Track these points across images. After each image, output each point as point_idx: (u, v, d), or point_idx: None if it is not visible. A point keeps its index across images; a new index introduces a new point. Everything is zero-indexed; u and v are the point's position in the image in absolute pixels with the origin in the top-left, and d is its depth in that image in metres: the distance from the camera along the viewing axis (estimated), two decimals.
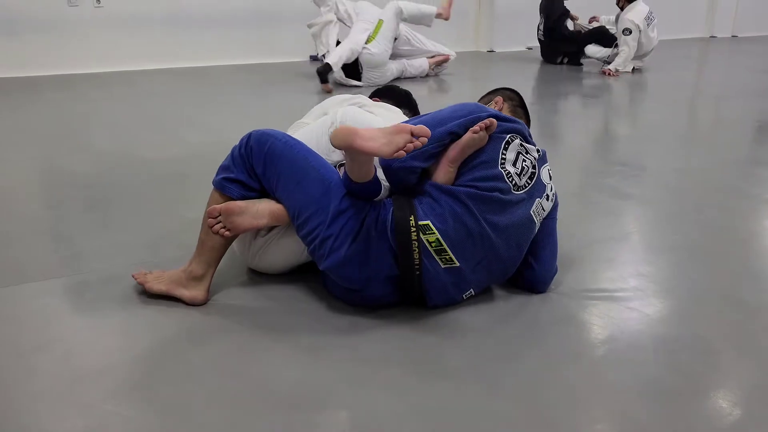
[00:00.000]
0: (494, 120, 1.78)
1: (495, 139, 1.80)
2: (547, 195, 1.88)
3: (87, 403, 1.43)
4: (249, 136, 1.85)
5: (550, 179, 1.91)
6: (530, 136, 1.91)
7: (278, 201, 1.83)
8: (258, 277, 2.02)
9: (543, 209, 1.87)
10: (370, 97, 2.33)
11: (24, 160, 3.24)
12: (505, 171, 1.79)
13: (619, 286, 1.99)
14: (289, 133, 2.05)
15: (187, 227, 2.13)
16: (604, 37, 6.44)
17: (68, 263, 2.11)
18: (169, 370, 1.56)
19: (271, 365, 1.58)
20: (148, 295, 1.86)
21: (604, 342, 1.71)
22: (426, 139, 1.58)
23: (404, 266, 1.69)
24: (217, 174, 1.87)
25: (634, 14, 6.04)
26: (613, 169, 3.22)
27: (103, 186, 2.85)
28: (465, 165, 1.78)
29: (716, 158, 3.51)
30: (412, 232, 1.67)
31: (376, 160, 1.77)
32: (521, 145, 1.84)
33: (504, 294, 1.92)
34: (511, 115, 2.07)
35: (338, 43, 5.25)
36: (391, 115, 2.09)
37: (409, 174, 1.76)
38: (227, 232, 1.80)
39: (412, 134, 1.55)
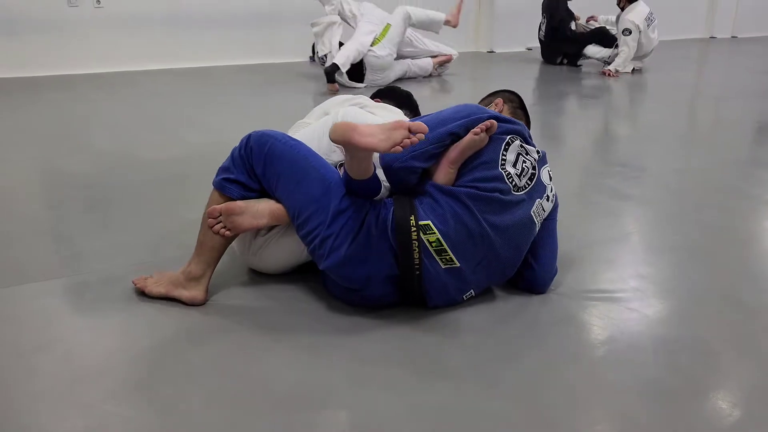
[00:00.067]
0: (495, 121, 1.79)
1: (495, 141, 1.81)
2: (548, 196, 1.88)
3: (87, 403, 1.43)
4: (249, 137, 1.86)
5: (550, 180, 1.91)
6: (530, 137, 1.91)
7: (278, 201, 1.83)
8: (258, 277, 2.02)
9: (543, 210, 1.87)
10: (372, 97, 2.33)
11: (24, 160, 3.24)
12: (505, 172, 1.79)
13: (619, 287, 1.99)
14: (290, 133, 2.05)
15: (187, 228, 2.13)
16: (604, 37, 6.44)
17: (68, 263, 2.11)
18: (169, 370, 1.56)
19: (271, 365, 1.58)
20: (150, 297, 1.86)
21: (604, 343, 1.71)
22: (423, 136, 1.59)
23: (404, 266, 1.69)
24: (217, 175, 1.88)
25: (635, 15, 6.04)
26: (613, 169, 3.22)
27: (103, 186, 2.85)
28: (465, 166, 1.79)
29: (716, 159, 3.51)
30: (412, 232, 1.67)
31: (376, 160, 1.78)
32: (521, 146, 1.85)
33: (504, 294, 1.92)
34: (512, 116, 2.08)
35: (341, 45, 5.24)
36: (392, 116, 2.10)
37: (409, 174, 1.76)
38: (228, 232, 1.80)
39: (410, 130, 1.56)
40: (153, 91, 5.08)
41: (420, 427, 1.38)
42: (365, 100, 2.19)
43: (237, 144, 1.88)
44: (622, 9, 6.19)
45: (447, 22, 5.62)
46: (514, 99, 2.21)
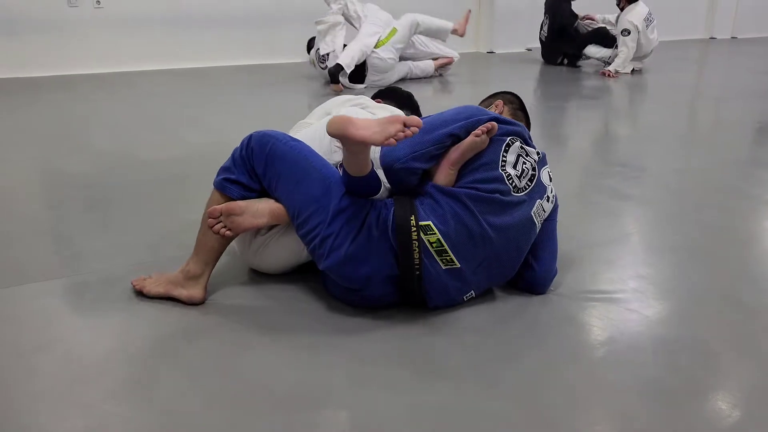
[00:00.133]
0: (495, 124, 1.79)
1: (496, 142, 1.81)
2: (548, 196, 1.89)
3: (87, 403, 1.43)
4: (250, 137, 1.86)
5: (550, 181, 1.92)
6: (530, 138, 1.92)
7: (278, 201, 1.83)
8: (258, 276, 2.02)
9: (544, 210, 1.87)
10: (373, 98, 2.34)
11: (24, 160, 3.24)
12: (505, 173, 1.79)
13: (619, 288, 1.99)
14: (291, 133, 2.05)
15: (187, 228, 2.13)
16: (605, 37, 6.43)
17: (68, 264, 2.11)
18: (169, 370, 1.56)
19: (271, 365, 1.58)
20: (149, 298, 1.87)
21: (604, 343, 1.71)
22: (417, 129, 1.59)
23: (404, 266, 1.69)
24: (218, 175, 1.88)
25: (634, 15, 6.04)
26: (612, 170, 3.22)
27: (103, 186, 2.85)
28: (466, 167, 1.79)
29: (716, 159, 3.51)
30: (412, 232, 1.67)
31: (377, 160, 1.78)
32: (521, 147, 1.85)
33: (504, 295, 1.92)
34: (512, 118, 2.08)
35: (344, 46, 5.23)
36: None
37: (409, 175, 1.76)
38: (228, 232, 1.81)
39: (405, 124, 1.57)
40: (153, 91, 5.08)
41: (420, 427, 1.38)
42: (366, 100, 2.19)
43: (238, 144, 1.88)
44: (622, 9, 6.19)
45: (454, 31, 5.69)
46: (514, 100, 2.21)
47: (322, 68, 5.23)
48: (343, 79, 5.08)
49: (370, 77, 5.25)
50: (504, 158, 1.81)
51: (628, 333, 1.76)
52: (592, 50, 6.52)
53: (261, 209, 1.82)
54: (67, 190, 2.82)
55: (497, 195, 1.76)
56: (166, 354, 1.63)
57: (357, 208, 1.72)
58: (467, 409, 1.43)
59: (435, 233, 1.69)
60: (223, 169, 1.88)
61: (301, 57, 5.86)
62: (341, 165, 1.73)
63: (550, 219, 1.93)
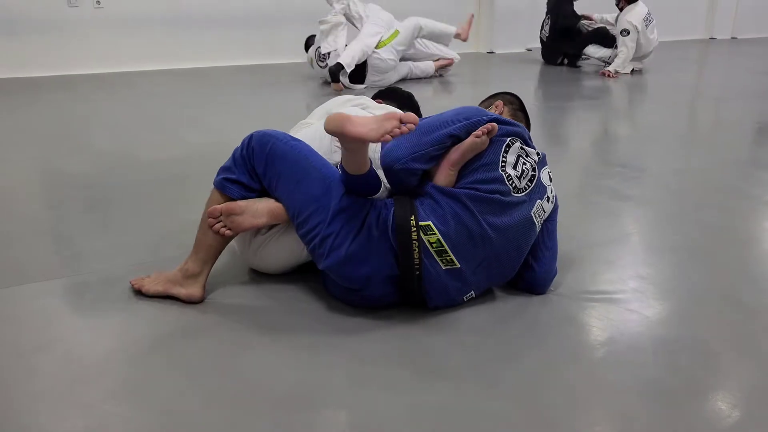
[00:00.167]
0: (495, 125, 1.79)
1: (496, 143, 1.81)
2: (548, 197, 1.89)
3: (87, 403, 1.43)
4: (251, 137, 1.87)
5: (551, 181, 1.92)
6: (530, 139, 1.92)
7: (278, 200, 1.84)
8: (258, 276, 2.02)
9: (544, 210, 1.87)
10: (373, 98, 2.34)
11: (24, 160, 3.25)
12: (505, 174, 1.79)
13: (619, 288, 1.99)
14: (292, 133, 2.06)
15: (187, 228, 2.13)
16: (605, 37, 6.43)
17: (68, 264, 2.11)
18: (169, 370, 1.56)
19: (271, 365, 1.58)
20: (148, 296, 1.87)
21: (604, 343, 1.71)
22: (413, 126, 1.60)
23: (404, 266, 1.69)
24: (218, 174, 1.88)
25: (633, 15, 6.04)
26: (612, 170, 3.22)
27: (103, 186, 2.85)
28: (466, 168, 1.79)
29: (716, 159, 3.51)
30: (412, 232, 1.68)
31: (377, 160, 1.78)
32: (521, 148, 1.85)
33: (504, 295, 1.92)
34: (512, 118, 2.08)
35: (345, 46, 5.23)
36: None
37: (409, 176, 1.76)
38: (228, 232, 1.81)
39: (401, 121, 1.58)
40: (153, 92, 5.08)
41: (420, 427, 1.38)
42: (367, 100, 2.19)
43: (238, 144, 1.89)
44: (621, 10, 6.19)
45: (457, 36, 5.73)
46: (514, 101, 2.22)
47: (321, 67, 5.22)
48: (344, 78, 5.08)
49: (371, 77, 5.25)
50: (504, 159, 1.81)
51: (628, 333, 1.76)
52: (592, 50, 6.53)
53: (260, 209, 1.82)
54: (67, 190, 2.82)
55: (497, 195, 1.76)
56: (166, 354, 1.63)
57: (357, 208, 1.72)
58: (467, 409, 1.43)
59: (435, 233, 1.69)
60: (224, 169, 1.88)
61: (302, 57, 5.86)
62: (341, 164, 1.73)
63: (550, 219, 1.93)
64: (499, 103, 2.16)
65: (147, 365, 1.58)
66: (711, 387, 1.54)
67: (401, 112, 2.15)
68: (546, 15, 6.68)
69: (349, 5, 5.28)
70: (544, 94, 5.56)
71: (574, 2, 6.60)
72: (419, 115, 2.38)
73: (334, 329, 1.74)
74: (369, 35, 5.19)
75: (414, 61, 5.61)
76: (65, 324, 1.78)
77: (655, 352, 1.66)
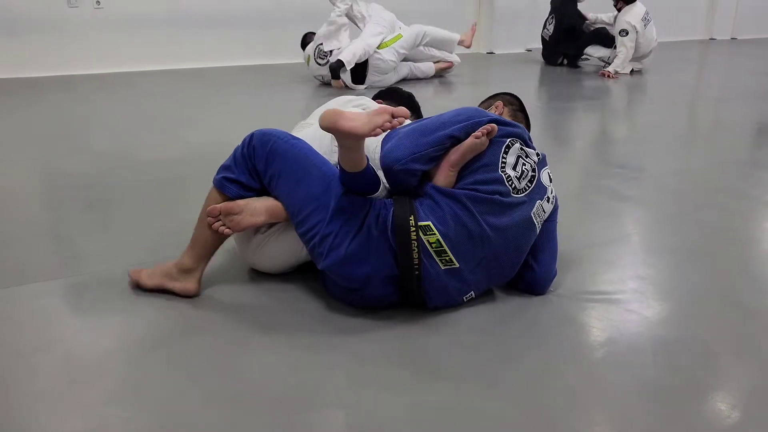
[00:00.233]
0: (495, 125, 1.80)
1: (495, 143, 1.81)
2: (548, 197, 1.89)
3: (87, 403, 1.43)
4: (252, 136, 1.87)
5: (551, 182, 1.92)
6: (530, 140, 1.92)
7: (277, 199, 1.84)
8: (258, 276, 2.02)
9: (544, 211, 1.87)
10: (374, 98, 2.34)
11: (24, 160, 3.25)
12: (505, 174, 1.79)
13: (619, 288, 2.00)
14: (293, 133, 2.06)
15: (187, 228, 2.12)
16: (606, 38, 6.44)
17: (68, 264, 2.11)
18: (169, 370, 1.56)
19: (270, 365, 1.58)
20: (145, 290, 1.89)
21: (604, 344, 1.71)
22: (404, 120, 1.61)
23: (404, 266, 1.70)
24: (218, 173, 1.89)
25: (631, 16, 6.04)
26: (612, 170, 3.22)
27: (103, 187, 2.85)
28: (465, 168, 1.79)
29: (716, 160, 3.51)
30: (411, 232, 1.68)
31: (377, 161, 1.78)
32: (521, 149, 1.85)
33: (504, 295, 1.92)
34: (512, 119, 2.08)
35: None
36: None
37: (409, 176, 1.76)
38: (227, 230, 1.82)
39: (393, 115, 1.59)
40: (153, 92, 5.08)
41: (420, 427, 1.38)
42: (367, 101, 2.20)
43: (238, 144, 1.89)
44: (619, 10, 6.19)
45: (461, 42, 5.78)
46: (514, 102, 2.22)
47: (321, 64, 5.20)
48: (344, 76, 5.07)
49: (371, 77, 5.24)
50: (504, 160, 1.81)
51: (628, 334, 1.76)
52: (591, 50, 6.53)
53: (258, 207, 1.83)
54: (67, 190, 2.82)
55: (497, 196, 1.76)
56: (166, 354, 1.63)
57: (356, 208, 1.72)
58: (467, 410, 1.43)
59: (434, 234, 1.70)
60: (224, 168, 1.89)
61: (302, 57, 5.85)
62: (338, 162, 1.74)
63: (550, 220, 1.93)
64: (499, 103, 2.16)
65: (147, 365, 1.58)
66: (711, 387, 1.55)
67: (392, 107, 2.17)
68: (549, 14, 6.67)
69: (351, 5, 5.28)
70: (544, 94, 5.56)
71: (579, 2, 6.60)
72: (420, 115, 2.38)
73: (333, 329, 1.74)
74: (371, 35, 5.19)
75: (415, 62, 5.61)
76: (65, 324, 1.78)
77: (654, 353, 1.66)
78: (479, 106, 2.18)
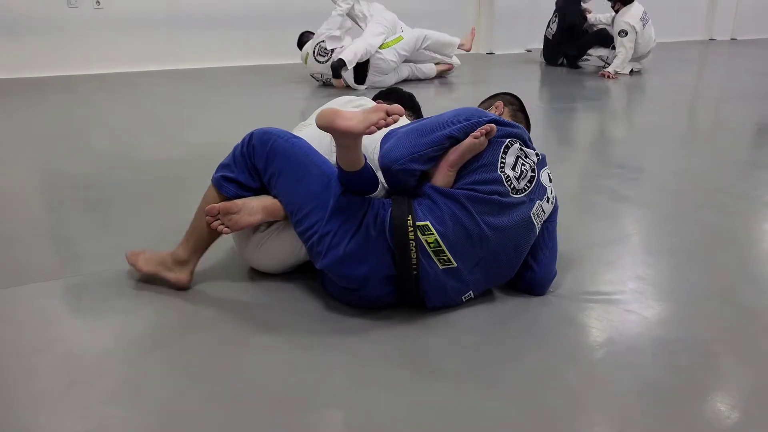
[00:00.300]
0: (494, 126, 1.80)
1: (494, 144, 1.81)
2: (548, 197, 1.89)
3: (87, 403, 1.44)
4: (251, 134, 1.88)
5: (550, 182, 1.92)
6: (530, 140, 1.91)
7: (276, 197, 1.85)
8: (258, 276, 2.02)
9: (543, 211, 1.87)
10: (374, 99, 2.34)
11: (24, 161, 3.25)
12: (504, 175, 1.79)
13: (618, 289, 2.00)
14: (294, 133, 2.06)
15: (187, 228, 2.13)
16: (608, 38, 6.44)
17: (68, 264, 2.11)
18: (169, 370, 1.56)
19: (270, 365, 1.58)
20: (143, 282, 1.89)
21: (603, 344, 1.71)
22: (399, 117, 1.61)
23: (402, 266, 1.70)
24: (217, 171, 1.90)
25: (630, 16, 6.05)
26: (612, 171, 3.22)
27: (103, 187, 2.85)
28: (464, 168, 1.80)
29: (715, 160, 3.51)
30: (409, 232, 1.68)
31: (376, 161, 1.78)
32: (521, 149, 1.85)
33: (503, 296, 1.92)
34: (512, 119, 2.09)
35: None
36: None
37: (408, 176, 1.77)
38: (226, 229, 1.83)
39: (387, 113, 1.60)
40: (153, 92, 5.09)
41: (420, 427, 1.38)
42: (367, 101, 2.20)
43: (239, 142, 1.90)
44: (617, 11, 6.20)
45: (461, 46, 5.80)
46: (514, 102, 2.22)
47: (320, 62, 5.18)
48: (346, 75, 5.07)
49: (372, 77, 5.24)
50: (503, 160, 1.81)
51: (628, 334, 1.76)
52: (590, 49, 6.54)
53: (255, 206, 1.84)
54: (67, 190, 2.82)
55: (496, 196, 1.77)
56: (166, 354, 1.63)
57: (355, 207, 1.72)
58: (467, 410, 1.43)
59: (433, 234, 1.70)
60: (223, 166, 1.90)
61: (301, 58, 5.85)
62: (336, 162, 1.74)
63: (550, 220, 1.93)
64: (499, 103, 2.16)
65: (147, 365, 1.58)
66: (710, 388, 1.55)
67: (387, 105, 2.17)
68: (554, 13, 6.67)
69: (353, 4, 5.27)
70: (544, 94, 5.57)
71: (583, 2, 6.59)
72: (420, 115, 2.38)
73: (333, 329, 1.74)
74: (373, 35, 5.19)
75: (416, 63, 5.61)
76: (65, 324, 1.78)
77: (654, 353, 1.67)
78: (479, 106, 2.18)
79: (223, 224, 1.82)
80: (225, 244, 2.20)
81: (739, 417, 1.44)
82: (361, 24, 5.36)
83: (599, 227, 2.51)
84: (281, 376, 1.54)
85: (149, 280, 1.97)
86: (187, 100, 4.83)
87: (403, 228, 1.68)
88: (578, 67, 6.64)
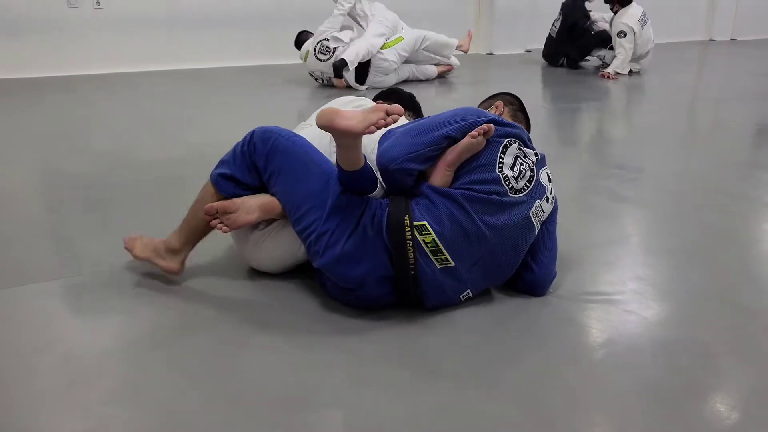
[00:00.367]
0: (492, 125, 1.80)
1: (493, 143, 1.81)
2: (547, 197, 1.89)
3: (87, 404, 1.44)
4: (253, 133, 1.89)
5: (550, 182, 1.92)
6: (530, 140, 1.91)
7: (275, 195, 1.85)
8: (257, 275, 2.02)
9: (543, 211, 1.87)
10: (374, 99, 2.34)
11: (24, 161, 3.25)
12: (502, 174, 1.79)
13: (618, 289, 2.00)
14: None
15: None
16: (609, 41, 6.43)
17: (68, 264, 2.11)
18: (169, 370, 1.57)
19: (270, 365, 1.58)
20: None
21: (603, 345, 1.71)
22: (398, 117, 1.62)
23: (399, 266, 1.70)
24: (217, 167, 1.92)
25: (628, 17, 6.05)
26: (611, 171, 3.22)
27: (103, 187, 2.85)
28: (462, 168, 1.80)
29: (715, 161, 3.51)
30: (406, 232, 1.68)
31: (374, 161, 1.78)
32: (519, 149, 1.85)
33: (503, 296, 1.92)
34: (512, 119, 2.09)
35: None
36: None
37: (405, 176, 1.77)
38: (225, 228, 1.84)
39: (387, 113, 1.60)
40: (153, 92, 5.09)
41: (420, 427, 1.38)
42: (368, 102, 2.20)
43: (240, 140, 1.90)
44: (615, 13, 6.20)
45: (459, 47, 5.84)
46: (514, 102, 2.22)
47: (322, 60, 5.17)
48: (347, 75, 5.07)
49: (373, 78, 5.24)
50: (501, 160, 1.81)
51: (627, 334, 1.76)
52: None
53: (252, 205, 1.85)
54: (67, 190, 2.82)
55: (494, 196, 1.77)
56: (166, 354, 1.63)
57: (353, 207, 1.73)
58: (467, 410, 1.43)
59: (430, 233, 1.70)
60: (223, 162, 1.91)
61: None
62: (336, 161, 1.74)
63: (550, 221, 1.93)
64: (499, 103, 2.16)
65: (147, 365, 1.58)
66: (710, 388, 1.55)
67: (386, 105, 2.17)
68: (559, 12, 6.67)
69: (355, 3, 5.26)
70: (543, 95, 5.57)
71: (587, 1, 6.59)
72: (421, 116, 2.38)
73: (333, 329, 1.74)
74: (375, 35, 5.19)
75: (416, 64, 5.61)
76: (65, 324, 1.78)
77: (654, 354, 1.67)
78: (479, 106, 2.18)
79: (222, 222, 1.83)
80: (224, 243, 2.20)
81: (739, 417, 1.44)
82: (362, 23, 5.36)
83: (599, 228, 2.52)
84: (281, 376, 1.54)
85: (149, 280, 1.97)
86: (187, 100, 4.83)
87: (400, 228, 1.69)
88: (578, 67, 6.63)
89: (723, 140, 4.05)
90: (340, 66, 4.98)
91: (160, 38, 6.01)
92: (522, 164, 1.84)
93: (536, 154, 1.90)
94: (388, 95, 2.41)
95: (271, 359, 1.61)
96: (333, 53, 5.10)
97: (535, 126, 2.37)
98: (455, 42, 5.73)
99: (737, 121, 4.53)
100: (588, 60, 6.67)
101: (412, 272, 1.70)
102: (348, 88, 5.09)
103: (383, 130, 1.78)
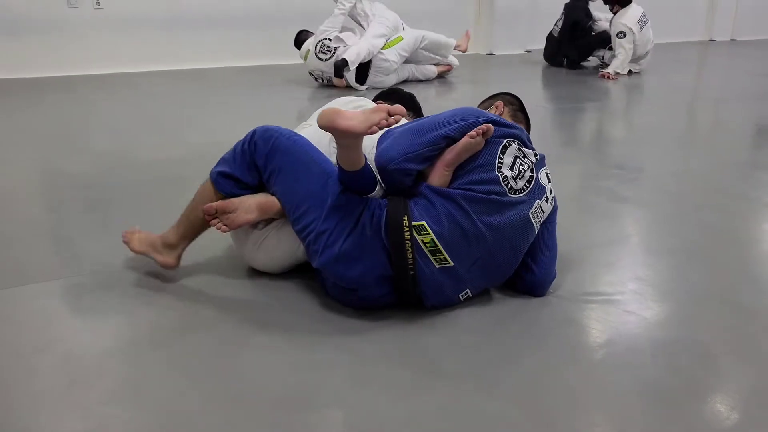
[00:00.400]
0: (491, 125, 1.80)
1: (492, 144, 1.81)
2: (546, 197, 1.89)
3: (87, 404, 1.44)
4: (254, 132, 1.90)
5: (549, 182, 1.92)
6: (529, 140, 1.91)
7: (274, 195, 1.85)
8: (257, 275, 2.02)
9: (542, 211, 1.87)
10: (374, 99, 2.34)
11: (24, 161, 3.25)
12: (501, 175, 1.79)
13: (618, 290, 2.00)
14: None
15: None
16: (610, 39, 6.43)
17: (68, 264, 2.11)
18: (169, 370, 1.57)
19: (270, 365, 1.58)
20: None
21: (603, 345, 1.71)
22: (401, 118, 1.62)
23: (398, 266, 1.70)
24: (217, 165, 1.93)
25: (627, 18, 6.05)
26: (611, 171, 3.22)
27: (103, 187, 2.85)
28: (461, 168, 1.80)
29: (715, 161, 3.52)
30: (405, 232, 1.68)
31: (373, 160, 1.79)
32: (519, 149, 1.85)
33: (503, 296, 1.92)
34: (512, 119, 2.09)
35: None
36: None
37: (404, 176, 1.77)
38: (225, 228, 1.84)
39: (389, 113, 1.60)
40: (153, 92, 5.08)
41: (420, 427, 1.38)
42: (368, 102, 2.20)
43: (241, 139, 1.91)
44: (615, 13, 6.19)
45: (457, 47, 5.84)
46: (514, 102, 2.22)
47: (323, 59, 5.16)
48: (347, 75, 5.07)
49: (373, 78, 5.24)
50: (500, 160, 1.81)
51: (627, 335, 1.76)
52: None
53: (251, 204, 1.85)
54: (67, 190, 2.82)
55: (493, 196, 1.77)
56: (166, 354, 1.63)
57: (352, 206, 1.73)
58: (467, 410, 1.43)
59: (429, 233, 1.70)
60: (223, 160, 1.92)
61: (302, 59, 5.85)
62: (337, 161, 1.74)
63: (550, 221, 1.93)
64: (499, 103, 2.16)
65: (147, 365, 1.58)
66: (710, 388, 1.55)
67: (388, 105, 2.17)
68: (562, 11, 6.67)
69: (355, 3, 5.26)
70: (543, 95, 5.57)
71: (590, 1, 6.59)
72: (421, 116, 2.38)
73: (333, 329, 1.74)
74: (376, 36, 5.19)
75: (416, 64, 5.62)
76: (65, 325, 1.78)
77: (654, 354, 1.67)
78: (479, 106, 2.18)
79: (221, 222, 1.83)
80: (224, 243, 2.20)
81: (739, 417, 1.44)
82: (362, 23, 5.35)
83: (599, 228, 2.52)
84: (281, 376, 1.54)
85: (149, 280, 1.97)
86: (186, 100, 4.83)
87: (398, 228, 1.69)
88: (578, 67, 6.63)
89: (723, 140, 4.05)
90: (341, 65, 4.98)
91: (160, 38, 6.01)
92: (521, 164, 1.84)
93: (536, 155, 1.90)
94: (389, 95, 2.41)
95: (271, 359, 1.61)
96: (334, 53, 5.10)
97: (534, 126, 2.37)
98: (453, 42, 5.73)
99: (737, 121, 4.53)
100: (588, 60, 6.67)
101: (411, 272, 1.71)
102: (348, 88, 5.09)
103: (383, 130, 1.78)
